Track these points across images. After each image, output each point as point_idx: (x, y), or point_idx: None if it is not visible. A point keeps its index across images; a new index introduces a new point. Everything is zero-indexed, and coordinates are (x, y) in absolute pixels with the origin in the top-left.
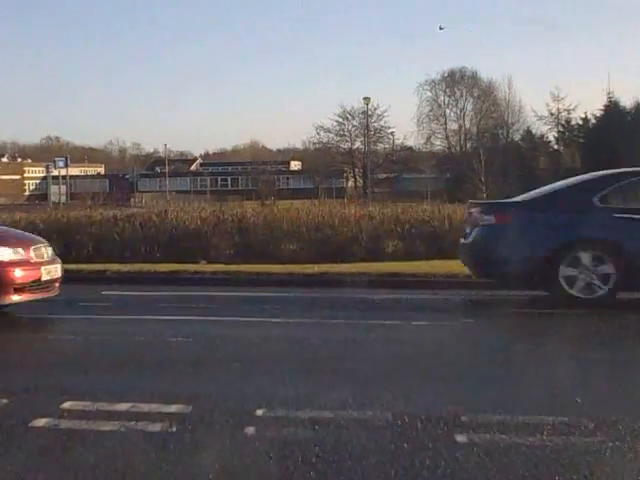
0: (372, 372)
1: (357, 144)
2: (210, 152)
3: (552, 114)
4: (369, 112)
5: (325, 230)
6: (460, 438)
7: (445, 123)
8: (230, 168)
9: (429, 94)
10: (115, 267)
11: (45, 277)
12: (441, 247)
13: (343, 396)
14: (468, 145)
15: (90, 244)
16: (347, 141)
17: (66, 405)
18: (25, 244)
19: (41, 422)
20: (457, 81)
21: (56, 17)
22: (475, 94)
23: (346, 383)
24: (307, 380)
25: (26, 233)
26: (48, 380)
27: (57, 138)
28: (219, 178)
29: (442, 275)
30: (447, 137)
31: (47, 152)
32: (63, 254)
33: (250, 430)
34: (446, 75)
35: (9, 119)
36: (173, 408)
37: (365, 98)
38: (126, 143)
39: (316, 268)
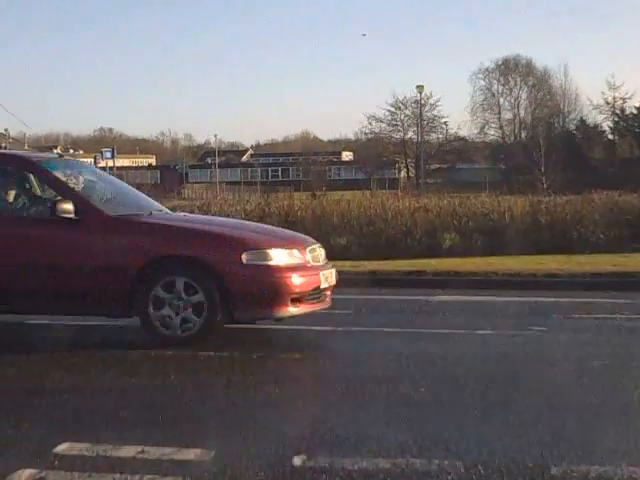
0: (434, 400)
1: (410, 134)
2: (261, 143)
3: (608, 103)
4: (422, 101)
5: (378, 224)
6: None
7: (499, 112)
8: (281, 159)
9: (483, 83)
10: None
11: (323, 284)
12: (501, 242)
13: (401, 436)
14: (523, 135)
15: None
16: (399, 131)
17: (60, 448)
18: (299, 244)
19: (24, 475)
20: (511, 69)
21: (106, 9)
22: (530, 82)
23: (403, 416)
24: (355, 411)
25: (293, 232)
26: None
27: (110, 129)
28: (270, 169)
29: (503, 274)
30: (501, 127)
31: (100, 143)
32: None
33: None
34: (500, 63)
35: (62, 111)
36: (191, 454)
37: (418, 86)
38: (178, 134)
39: (367, 265)
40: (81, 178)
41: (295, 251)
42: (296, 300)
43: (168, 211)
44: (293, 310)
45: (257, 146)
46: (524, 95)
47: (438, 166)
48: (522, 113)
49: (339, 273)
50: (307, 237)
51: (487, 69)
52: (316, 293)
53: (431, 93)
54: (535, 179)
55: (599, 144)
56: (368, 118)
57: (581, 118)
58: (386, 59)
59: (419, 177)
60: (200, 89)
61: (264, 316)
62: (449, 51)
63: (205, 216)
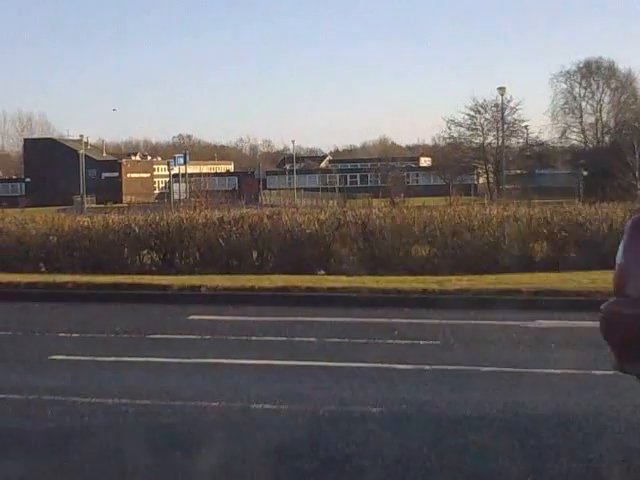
0: None
1: (489, 138)
2: (340, 149)
3: None
4: (503, 104)
5: (463, 234)
6: None
7: (581, 116)
8: (359, 165)
9: (564, 86)
10: (215, 281)
11: None
12: (598, 255)
13: None
14: (606, 139)
15: (193, 252)
16: (479, 135)
17: None
18: None
19: None
20: (593, 72)
21: (187, 19)
22: (612, 85)
23: None
24: None
25: None
26: None
27: (189, 136)
28: (348, 175)
29: (610, 294)
30: (583, 131)
31: (179, 150)
32: (163, 264)
33: None
34: (581, 66)
35: (143, 118)
36: None
37: (500, 88)
38: (257, 140)
39: (454, 281)
40: None
41: None
42: None
43: None
44: None
45: (335, 152)
46: (607, 98)
47: (519, 172)
48: (605, 117)
49: (422, 290)
50: None
51: (568, 72)
52: None
53: (511, 96)
54: (629, 184)
55: None
56: (447, 122)
57: None
58: (465, 62)
59: (499, 183)
60: (279, 96)
61: None
62: (529, 54)
63: None
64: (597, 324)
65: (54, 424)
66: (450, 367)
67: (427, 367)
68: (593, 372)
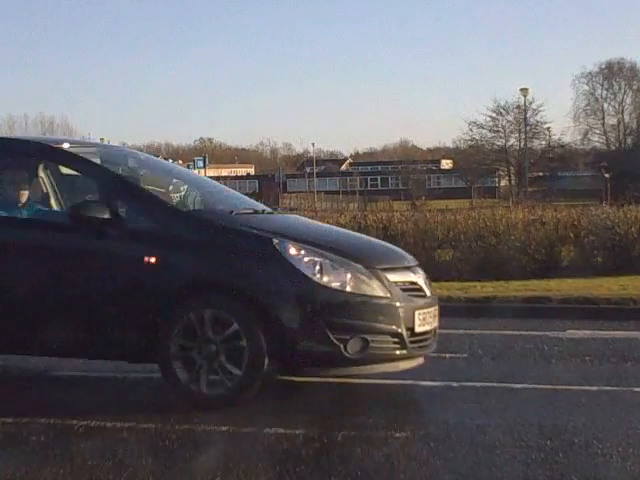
0: None
1: (512, 140)
2: (360, 152)
3: None
4: (525, 106)
5: (488, 239)
6: None
7: (603, 118)
8: (380, 168)
9: (586, 87)
10: None
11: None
12: (626, 260)
13: None
14: (629, 141)
15: None
16: (501, 137)
17: None
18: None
19: None
20: (615, 73)
21: (207, 23)
22: (635, 87)
23: None
24: None
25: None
26: None
27: (210, 139)
28: (369, 178)
29: None
30: (605, 133)
31: (200, 153)
32: None
33: None
34: (603, 67)
35: (164, 121)
36: None
37: (522, 89)
38: (277, 144)
39: (479, 288)
40: None
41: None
42: None
43: None
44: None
45: (356, 155)
46: (629, 100)
47: (542, 174)
48: (627, 118)
49: (447, 298)
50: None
51: (590, 73)
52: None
53: (533, 98)
54: None
55: None
56: (469, 124)
57: None
58: (486, 64)
59: (522, 186)
60: (299, 99)
61: None
62: (551, 55)
63: None
64: (633, 334)
65: (44, 453)
66: (479, 384)
67: (454, 384)
68: (634, 389)
